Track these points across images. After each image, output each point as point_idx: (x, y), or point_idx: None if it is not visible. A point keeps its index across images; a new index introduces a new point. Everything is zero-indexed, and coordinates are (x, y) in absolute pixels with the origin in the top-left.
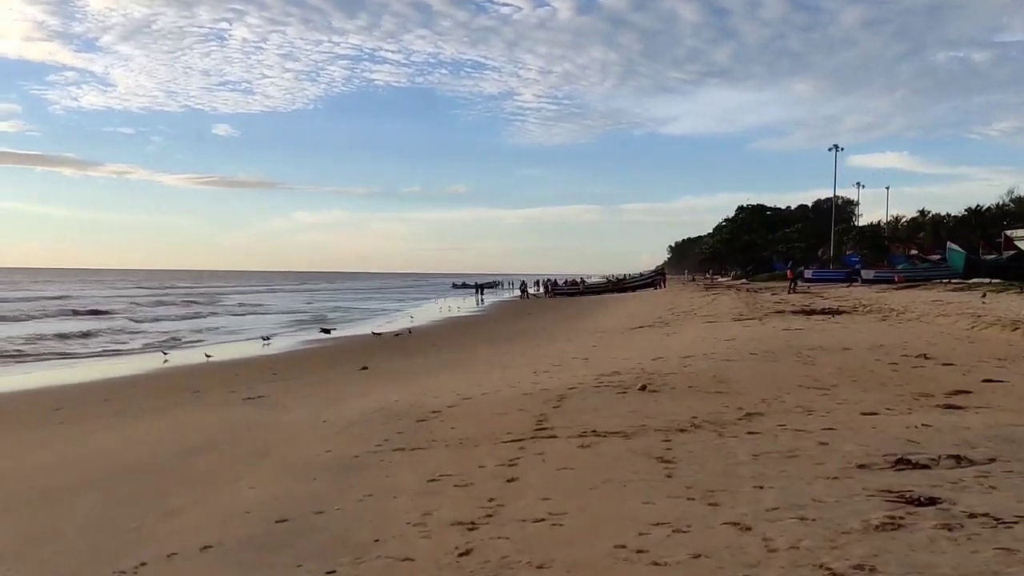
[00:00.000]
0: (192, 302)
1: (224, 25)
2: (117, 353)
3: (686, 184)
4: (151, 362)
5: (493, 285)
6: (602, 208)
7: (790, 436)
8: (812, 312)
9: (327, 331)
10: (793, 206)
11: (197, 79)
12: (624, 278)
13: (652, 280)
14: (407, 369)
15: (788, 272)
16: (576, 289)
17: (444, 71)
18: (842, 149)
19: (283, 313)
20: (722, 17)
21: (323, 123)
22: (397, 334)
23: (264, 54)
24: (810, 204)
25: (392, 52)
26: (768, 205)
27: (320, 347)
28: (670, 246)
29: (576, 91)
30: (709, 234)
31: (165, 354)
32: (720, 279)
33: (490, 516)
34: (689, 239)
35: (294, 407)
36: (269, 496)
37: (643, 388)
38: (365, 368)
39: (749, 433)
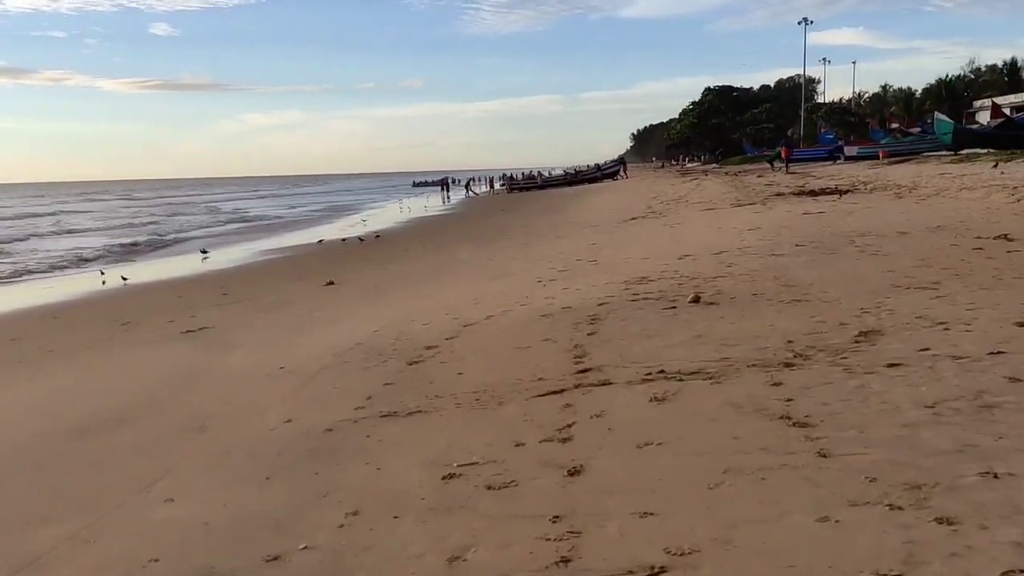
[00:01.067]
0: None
1: None
2: (38, 273)
3: (646, 69)
4: (88, 283)
5: (445, 183)
6: (562, 98)
7: (951, 367)
8: (814, 193)
9: (204, 252)
10: (757, 87)
11: None
12: (582, 170)
13: (612, 170)
14: (382, 282)
15: (782, 150)
16: (533, 183)
17: None
18: (811, 22)
19: (234, 222)
20: None
21: (268, 18)
22: (361, 239)
23: None
24: (772, 84)
25: None
26: (735, 86)
27: (279, 258)
28: (632, 134)
29: None
30: (675, 119)
31: (103, 273)
32: (691, 164)
33: (565, 564)
34: (651, 126)
35: (245, 342)
36: (193, 520)
37: (696, 300)
38: (331, 283)
39: (889, 366)
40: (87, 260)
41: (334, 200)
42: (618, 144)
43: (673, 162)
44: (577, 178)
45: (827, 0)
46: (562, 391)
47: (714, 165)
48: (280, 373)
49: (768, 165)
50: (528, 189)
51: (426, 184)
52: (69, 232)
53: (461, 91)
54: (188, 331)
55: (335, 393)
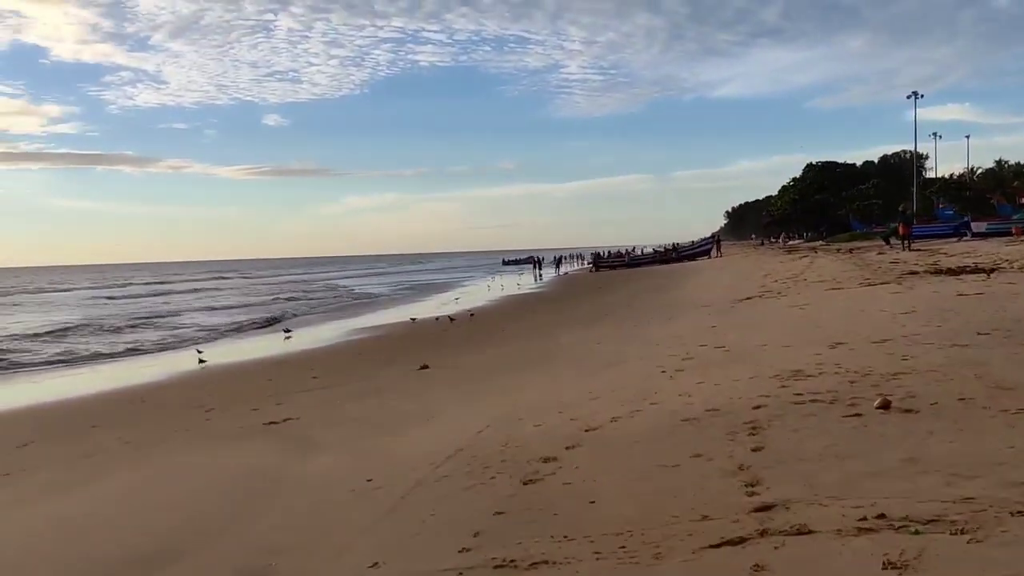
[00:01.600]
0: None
1: (270, 16)
2: (145, 351)
3: (739, 148)
4: (188, 362)
5: (536, 261)
6: (653, 177)
7: None
8: (953, 271)
9: (287, 332)
10: (859, 163)
11: (246, 71)
12: (674, 247)
13: (705, 247)
14: (480, 367)
15: (900, 227)
16: (621, 261)
17: (487, 48)
18: (921, 96)
19: (327, 299)
20: None
21: (370, 108)
22: (452, 319)
23: (310, 42)
24: (876, 160)
25: (435, 32)
26: (838, 162)
27: (371, 338)
28: (727, 212)
29: (622, 60)
30: (774, 196)
31: (200, 352)
32: (793, 242)
33: None
34: (746, 204)
35: (328, 443)
36: None
37: (886, 405)
38: (426, 367)
39: None
40: (187, 340)
41: (427, 279)
42: (711, 222)
43: (773, 239)
44: (667, 256)
45: (929, 77)
46: (742, 541)
47: (820, 242)
48: (366, 488)
49: (884, 243)
50: (615, 267)
51: (516, 262)
52: (208, 308)
53: (552, 172)
54: (271, 423)
55: (432, 524)
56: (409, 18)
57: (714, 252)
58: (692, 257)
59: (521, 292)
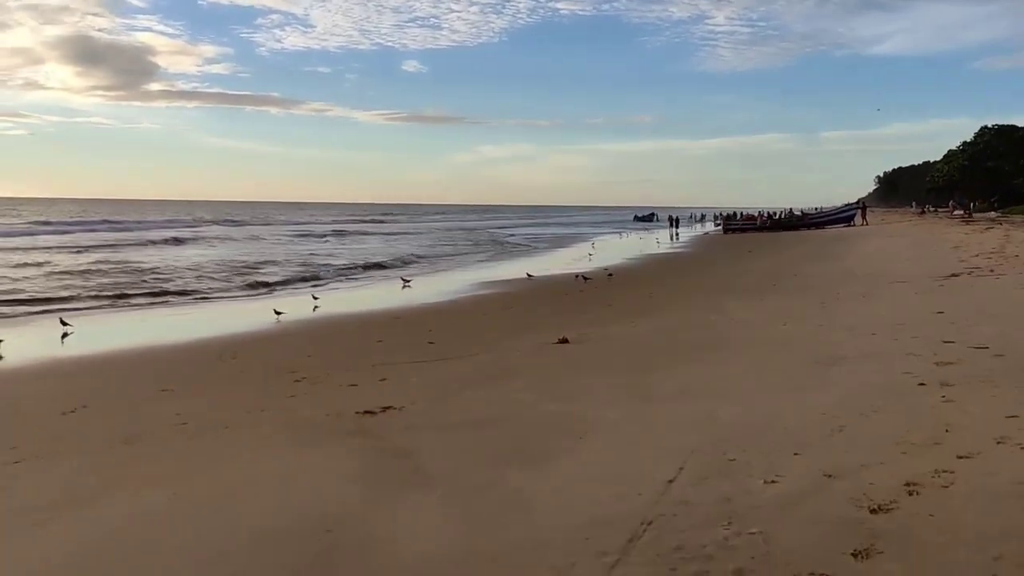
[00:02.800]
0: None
1: None
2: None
3: (894, 109)
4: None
5: (649, 218)
6: (798, 136)
7: None
8: None
9: (407, 281)
10: None
11: (388, 16)
12: (810, 213)
13: (847, 215)
14: (636, 346)
15: None
16: (752, 224)
17: None
18: None
19: (467, 243)
20: None
21: (508, 56)
22: (586, 278)
23: None
24: None
25: None
26: (1019, 126)
27: (497, 294)
28: (878, 176)
29: (773, 12)
30: (940, 161)
31: (315, 299)
32: (959, 212)
33: None
34: (901, 168)
35: (435, 471)
36: None
37: None
38: (565, 341)
39: None
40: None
41: (559, 231)
42: (859, 186)
43: (936, 208)
44: (804, 221)
45: None
46: None
47: (993, 213)
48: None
49: None
50: (746, 231)
51: (646, 219)
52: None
53: (690, 128)
54: (367, 412)
55: None
56: None
57: (859, 219)
58: (828, 224)
59: (660, 251)
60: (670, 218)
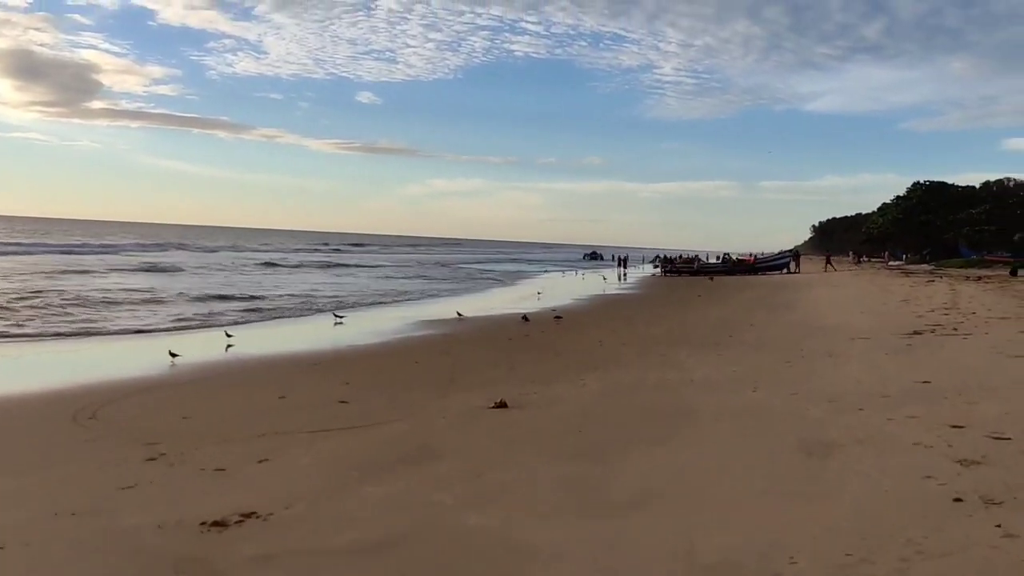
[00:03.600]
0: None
1: None
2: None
3: (828, 163)
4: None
5: (598, 257)
6: (739, 184)
7: None
8: None
9: (340, 317)
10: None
11: (344, 48)
12: (749, 258)
13: (782, 262)
14: (590, 414)
15: None
16: (689, 267)
17: (583, 43)
18: None
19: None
20: None
21: (463, 92)
22: (525, 318)
23: (408, 24)
24: (977, 187)
25: (532, 23)
26: (948, 183)
27: (440, 335)
28: (813, 226)
29: (717, 65)
30: (875, 213)
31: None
32: (894, 263)
33: None
34: (835, 219)
35: None
36: None
37: None
38: (502, 405)
39: None
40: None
41: (511, 267)
42: (795, 234)
43: (871, 258)
44: (739, 268)
45: None
46: None
47: (926, 266)
48: None
49: (1010, 274)
50: (681, 274)
51: (597, 258)
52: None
53: (639, 171)
54: (216, 523)
55: None
56: (508, 7)
57: (793, 267)
58: (764, 271)
59: (609, 292)
60: (618, 258)
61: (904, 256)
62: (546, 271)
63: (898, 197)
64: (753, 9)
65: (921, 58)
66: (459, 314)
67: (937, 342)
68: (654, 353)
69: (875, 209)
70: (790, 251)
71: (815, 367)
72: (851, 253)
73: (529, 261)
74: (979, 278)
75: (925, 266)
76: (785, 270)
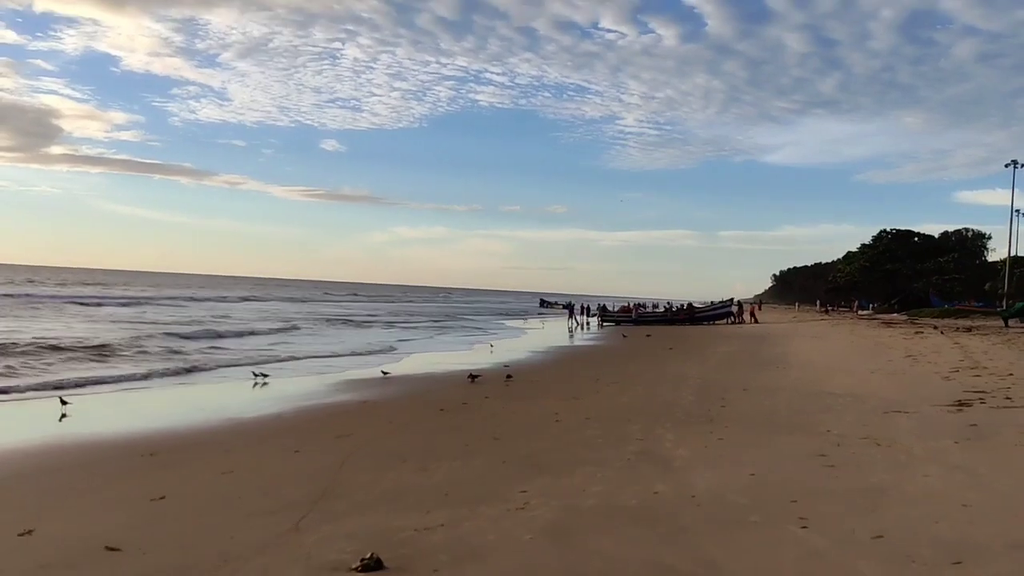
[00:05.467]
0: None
1: (337, 45)
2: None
3: (787, 213)
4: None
5: (557, 304)
6: (700, 234)
7: None
8: None
9: (262, 377)
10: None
11: (309, 96)
12: (684, 308)
13: (723, 311)
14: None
15: None
16: (627, 316)
17: (547, 94)
18: (1021, 165)
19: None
20: (829, 47)
21: (427, 141)
22: (473, 377)
23: (374, 73)
24: (936, 236)
25: (497, 74)
26: (915, 231)
27: (355, 402)
28: (774, 275)
29: (678, 117)
30: (840, 261)
31: (63, 403)
32: (863, 313)
33: None
34: (795, 268)
35: None
36: None
37: None
38: (374, 567)
39: None
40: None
41: (469, 315)
42: (756, 283)
43: (837, 307)
44: (678, 316)
45: (984, 160)
46: None
47: (897, 315)
48: None
49: (1003, 323)
50: (620, 323)
51: (553, 305)
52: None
53: (601, 220)
54: None
55: None
56: (473, 58)
57: (747, 318)
58: (711, 320)
59: (569, 343)
60: (581, 306)
61: (871, 305)
62: (504, 321)
63: (864, 245)
64: (712, 64)
65: (875, 112)
66: (384, 373)
67: (1001, 419)
68: (628, 437)
69: (837, 258)
70: (727, 300)
71: (866, 468)
72: (818, 303)
73: (491, 310)
74: (969, 329)
75: (896, 315)
76: (730, 319)
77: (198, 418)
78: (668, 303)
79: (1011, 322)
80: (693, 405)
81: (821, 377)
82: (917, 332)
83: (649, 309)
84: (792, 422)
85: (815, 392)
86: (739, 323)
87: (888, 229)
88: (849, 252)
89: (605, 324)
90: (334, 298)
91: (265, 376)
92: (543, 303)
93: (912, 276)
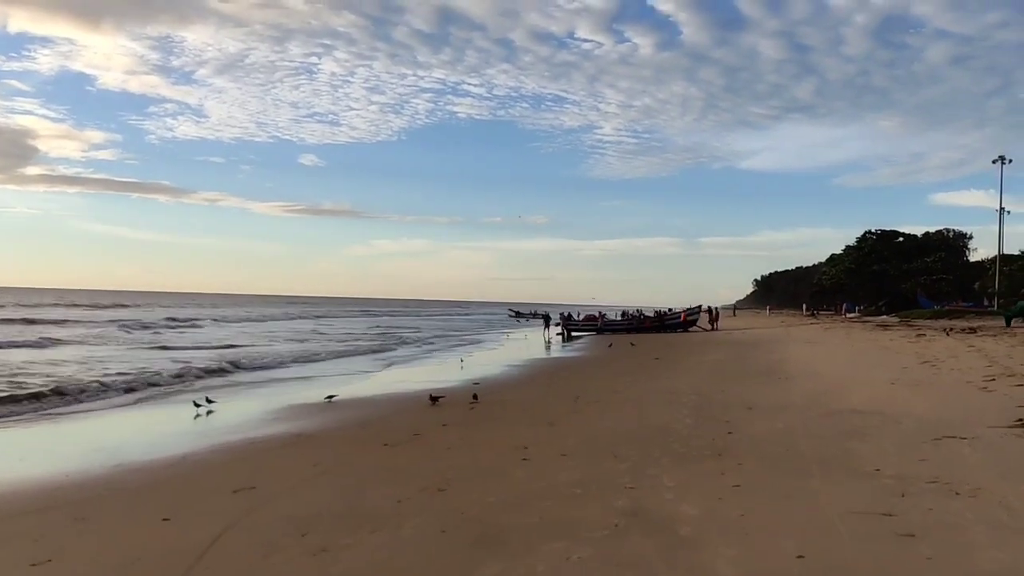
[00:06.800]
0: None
1: (314, 59)
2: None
3: (766, 218)
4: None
5: (534, 315)
6: (681, 241)
7: None
8: None
9: (206, 404)
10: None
11: (286, 111)
12: (650, 316)
13: (691, 318)
14: None
15: None
16: (592, 325)
17: (525, 104)
18: (1010, 161)
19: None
20: (804, 53)
21: (406, 154)
22: (434, 398)
23: (351, 87)
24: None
25: (475, 86)
26: (900, 231)
27: (273, 439)
28: (755, 280)
29: (656, 125)
30: (826, 263)
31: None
32: (851, 316)
33: None
34: (777, 272)
35: None
36: None
37: None
38: None
39: None
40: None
41: (445, 328)
42: (738, 288)
43: (824, 311)
44: (644, 324)
45: (959, 161)
46: None
47: (887, 317)
48: None
49: (1005, 324)
50: (583, 332)
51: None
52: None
53: (582, 229)
54: None
55: None
56: (451, 70)
57: (717, 324)
58: (674, 328)
59: (547, 355)
60: (561, 315)
61: (858, 308)
62: (481, 333)
63: (848, 247)
64: (689, 71)
65: (851, 116)
66: (329, 399)
67: None
68: (614, 484)
69: (819, 261)
70: (697, 307)
71: (962, 537)
72: (804, 306)
73: (471, 321)
74: (972, 330)
75: (886, 317)
76: (697, 327)
77: (123, 462)
78: (638, 310)
79: (1014, 322)
80: (692, 431)
81: (833, 390)
82: (920, 335)
83: (616, 317)
84: (822, 455)
85: (834, 410)
86: (713, 329)
87: (873, 230)
88: (833, 255)
89: (573, 335)
90: (316, 314)
91: (211, 402)
92: (517, 315)
93: (899, 277)
